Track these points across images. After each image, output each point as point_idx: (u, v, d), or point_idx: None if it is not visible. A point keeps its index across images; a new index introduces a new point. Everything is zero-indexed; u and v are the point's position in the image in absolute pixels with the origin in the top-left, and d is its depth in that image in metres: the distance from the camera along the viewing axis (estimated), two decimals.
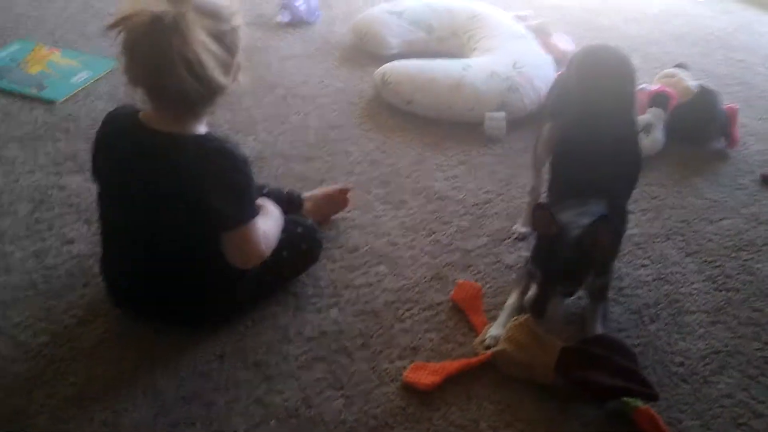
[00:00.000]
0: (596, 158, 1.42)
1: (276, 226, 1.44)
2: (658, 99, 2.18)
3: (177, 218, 1.33)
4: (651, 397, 1.32)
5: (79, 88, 2.15)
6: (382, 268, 1.64)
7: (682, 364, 1.48)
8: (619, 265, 1.70)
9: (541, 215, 1.30)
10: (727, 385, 1.45)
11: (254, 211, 1.37)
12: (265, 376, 1.36)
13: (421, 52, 2.45)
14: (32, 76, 2.18)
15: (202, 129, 1.34)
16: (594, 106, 1.45)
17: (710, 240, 1.85)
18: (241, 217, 1.34)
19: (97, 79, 2.20)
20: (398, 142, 2.09)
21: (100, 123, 1.38)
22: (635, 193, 1.96)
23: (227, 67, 1.27)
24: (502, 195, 1.93)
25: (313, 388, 1.34)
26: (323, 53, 2.53)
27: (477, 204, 1.89)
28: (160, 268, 1.38)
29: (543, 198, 1.74)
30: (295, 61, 2.46)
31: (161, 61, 1.19)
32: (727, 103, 2.30)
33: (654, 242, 1.82)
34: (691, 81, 2.26)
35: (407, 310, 1.54)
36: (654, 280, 1.69)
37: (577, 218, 1.30)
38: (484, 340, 1.43)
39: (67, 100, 2.10)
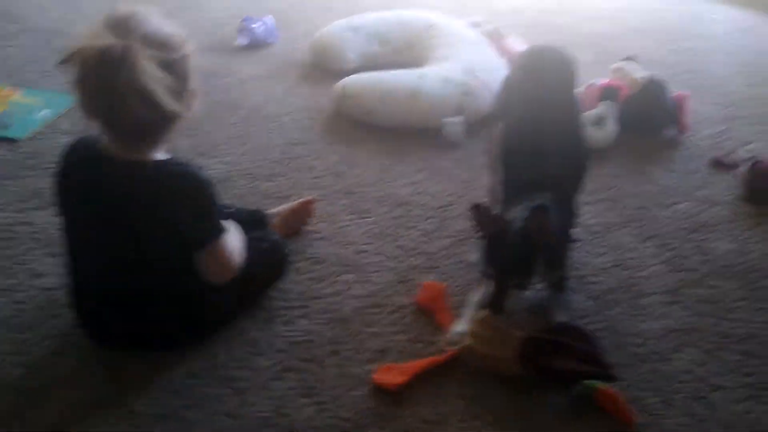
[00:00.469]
0: (540, 154, 1.47)
1: (240, 241, 1.48)
2: (608, 92, 2.25)
3: (143, 244, 1.36)
4: (610, 377, 1.37)
5: (42, 125, 2.18)
6: (349, 276, 1.68)
7: (641, 344, 1.53)
8: (579, 254, 1.76)
9: (480, 215, 1.35)
10: (686, 362, 1.50)
11: (222, 228, 1.41)
12: (237, 390, 1.39)
13: (380, 64, 2.51)
14: None
15: (162, 155, 1.38)
16: (535, 104, 1.51)
17: (665, 224, 1.91)
18: (210, 235, 1.38)
19: (60, 116, 2.23)
20: (361, 153, 2.14)
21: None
22: (591, 184, 2.03)
23: (179, 95, 1.30)
24: (463, 197, 1.98)
25: (284, 398, 1.38)
26: (283, 73, 2.58)
27: (440, 207, 1.94)
28: (129, 294, 1.40)
29: None
30: (256, 83, 2.50)
31: (112, 93, 1.22)
32: (678, 90, 2.38)
33: (611, 230, 1.88)
34: (639, 73, 2.34)
35: (375, 314, 1.58)
36: (612, 266, 1.75)
37: (521, 213, 1.35)
38: (450, 337, 1.48)
39: (30, 137, 2.13)
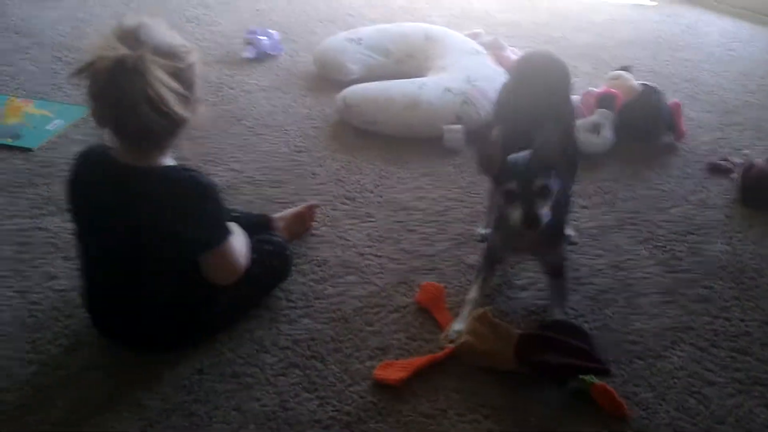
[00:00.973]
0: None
1: (245, 243, 1.54)
2: (605, 100, 2.31)
3: (152, 248, 1.41)
4: (604, 372, 1.41)
5: (54, 135, 2.25)
6: (350, 277, 1.73)
7: (636, 342, 1.57)
8: (576, 256, 1.81)
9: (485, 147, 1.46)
10: (680, 359, 1.54)
11: (228, 231, 1.46)
12: (243, 385, 1.44)
13: (381, 75, 2.57)
14: (8, 127, 2.28)
15: (169, 161, 1.44)
16: (529, 107, 1.56)
17: (660, 227, 1.95)
18: (216, 238, 1.44)
19: (70, 126, 2.30)
20: (362, 160, 2.20)
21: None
22: (589, 189, 2.09)
23: (186, 101, 1.36)
24: (463, 201, 2.03)
25: (288, 393, 1.42)
26: (288, 84, 2.64)
27: (439, 211, 1.99)
28: (139, 296, 1.45)
29: None
30: (262, 93, 2.57)
31: (125, 100, 1.28)
32: (673, 99, 2.43)
33: (608, 233, 1.92)
34: (634, 81, 2.39)
35: (375, 314, 1.63)
36: (608, 268, 1.80)
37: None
38: (448, 335, 1.52)
39: (42, 147, 2.20)
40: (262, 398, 1.41)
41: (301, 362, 1.49)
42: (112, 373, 1.46)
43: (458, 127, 2.28)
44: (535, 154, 1.43)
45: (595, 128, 2.25)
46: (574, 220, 1.91)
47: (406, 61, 2.66)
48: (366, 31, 2.77)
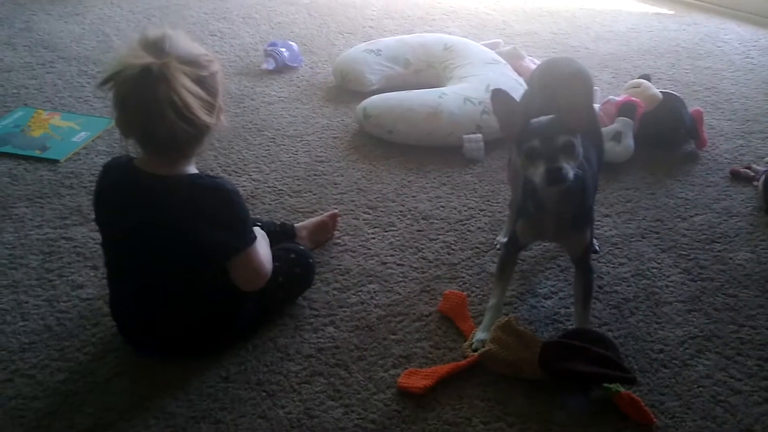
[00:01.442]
0: None
1: (269, 249, 1.55)
2: (626, 108, 2.30)
3: (177, 255, 1.43)
4: (630, 381, 1.40)
5: (80, 147, 2.29)
6: (373, 286, 1.74)
7: (661, 350, 1.56)
8: (599, 265, 1.80)
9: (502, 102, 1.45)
10: (706, 367, 1.53)
11: (253, 236, 1.48)
12: (268, 393, 1.45)
13: (400, 85, 2.59)
14: (35, 139, 2.32)
15: (192, 169, 1.46)
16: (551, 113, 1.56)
17: (684, 235, 1.94)
18: (242, 243, 1.45)
19: (96, 138, 2.34)
20: (383, 169, 2.21)
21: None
22: (610, 197, 2.08)
23: (210, 108, 1.38)
24: (483, 210, 2.04)
25: (313, 401, 1.43)
26: (308, 95, 2.67)
27: (460, 220, 1.99)
28: (164, 303, 1.47)
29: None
30: (282, 104, 2.60)
31: (152, 107, 1.31)
32: (694, 107, 2.42)
33: (630, 242, 1.91)
34: (655, 90, 2.39)
35: (399, 322, 1.63)
36: (632, 276, 1.79)
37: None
38: (472, 344, 1.52)
39: (68, 158, 2.24)
40: (287, 406, 1.42)
41: (325, 370, 1.50)
42: (138, 380, 1.48)
43: (478, 136, 2.29)
44: (558, 116, 1.41)
45: (616, 137, 2.24)
46: (597, 229, 1.90)
47: (425, 71, 2.68)
48: (385, 42, 2.79)
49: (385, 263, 1.82)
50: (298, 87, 2.73)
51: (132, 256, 1.48)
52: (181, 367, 1.50)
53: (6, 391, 1.44)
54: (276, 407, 1.42)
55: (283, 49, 2.83)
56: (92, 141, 2.32)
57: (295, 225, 1.86)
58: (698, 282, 1.77)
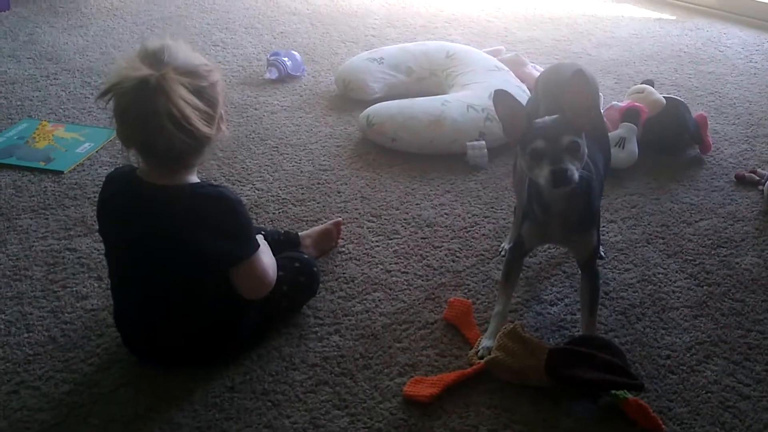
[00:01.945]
0: None
1: (273, 257, 1.55)
2: (630, 114, 2.30)
3: (180, 265, 1.43)
4: (637, 387, 1.39)
5: (84, 158, 2.29)
6: (378, 294, 1.73)
7: (668, 356, 1.55)
8: (604, 271, 1.79)
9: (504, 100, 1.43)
10: (714, 372, 1.52)
11: (256, 245, 1.47)
12: (274, 403, 1.44)
13: (403, 93, 2.60)
14: (39, 151, 2.33)
15: (194, 178, 1.46)
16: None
17: (690, 240, 1.93)
18: (245, 252, 1.45)
19: (100, 149, 2.34)
20: (386, 177, 2.21)
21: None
22: (615, 203, 2.08)
23: (210, 119, 1.37)
24: (488, 217, 2.03)
25: (319, 410, 1.42)
26: (311, 104, 2.68)
27: (465, 228, 1.99)
28: (168, 313, 1.47)
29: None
30: (285, 114, 2.60)
31: (150, 119, 1.30)
32: (698, 112, 2.42)
33: (636, 247, 1.90)
34: (659, 95, 2.38)
35: (404, 330, 1.62)
36: (638, 282, 1.78)
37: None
38: (478, 351, 1.51)
39: (72, 170, 2.24)
40: (292, 415, 1.41)
41: (330, 379, 1.49)
42: (143, 390, 1.47)
43: (482, 143, 2.29)
44: (562, 116, 1.40)
45: (620, 142, 2.24)
46: (602, 235, 1.90)
47: (427, 79, 2.68)
48: (387, 50, 2.80)
49: (390, 271, 1.81)
50: (301, 96, 2.73)
51: (135, 267, 1.47)
52: (185, 378, 1.49)
53: (11, 402, 1.44)
54: (281, 417, 1.41)
55: (286, 59, 2.84)
56: (96, 152, 2.33)
57: (300, 234, 1.86)
58: (705, 287, 1.76)
